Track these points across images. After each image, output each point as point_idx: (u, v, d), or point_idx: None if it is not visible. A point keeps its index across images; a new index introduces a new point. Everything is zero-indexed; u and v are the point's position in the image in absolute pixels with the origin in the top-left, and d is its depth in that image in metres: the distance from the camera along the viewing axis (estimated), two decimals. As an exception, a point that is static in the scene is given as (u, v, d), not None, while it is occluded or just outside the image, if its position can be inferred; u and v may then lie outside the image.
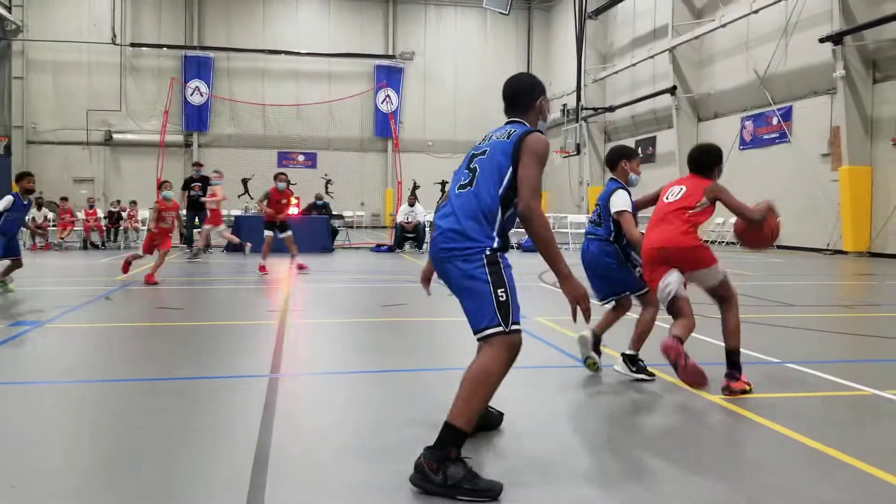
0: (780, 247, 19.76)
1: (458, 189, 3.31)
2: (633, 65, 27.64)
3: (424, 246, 18.56)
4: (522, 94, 3.51)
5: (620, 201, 5.06)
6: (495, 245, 3.18)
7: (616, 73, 29.47)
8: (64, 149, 32.71)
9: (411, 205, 18.85)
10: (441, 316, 7.33)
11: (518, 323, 3.15)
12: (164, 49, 33.35)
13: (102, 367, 5.53)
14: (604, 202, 5.13)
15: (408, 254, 17.44)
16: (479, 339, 3.14)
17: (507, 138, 3.27)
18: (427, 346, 6.32)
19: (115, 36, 32.54)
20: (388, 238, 20.96)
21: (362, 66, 35.07)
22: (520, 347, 3.14)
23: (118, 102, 33.17)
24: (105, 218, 19.96)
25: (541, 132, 3.37)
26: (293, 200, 15.69)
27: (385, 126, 34.69)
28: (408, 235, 18.60)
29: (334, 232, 18.86)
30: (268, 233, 12.26)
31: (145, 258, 11.15)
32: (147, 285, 10.02)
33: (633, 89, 28.28)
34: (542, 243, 3.18)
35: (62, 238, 18.68)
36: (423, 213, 18.85)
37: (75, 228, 19.43)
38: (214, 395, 4.57)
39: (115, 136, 33.10)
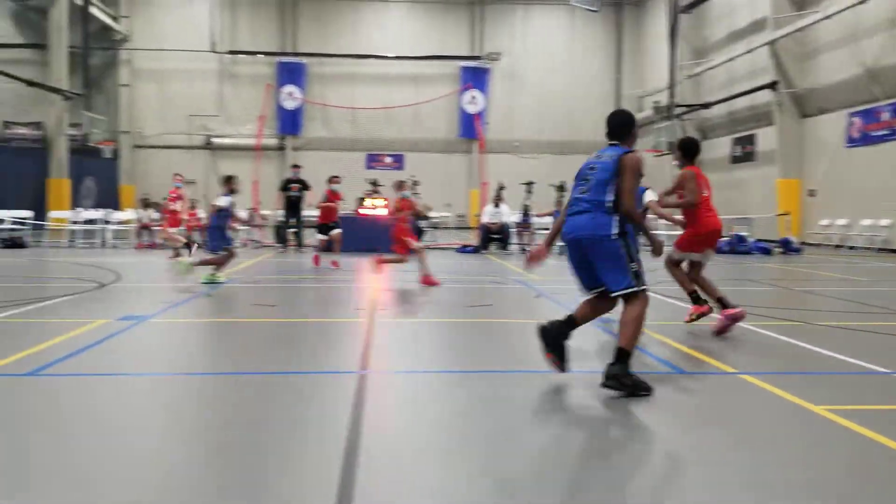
0: (888, 251, 18.71)
1: (579, 193, 4.82)
2: (730, 59, 26.70)
3: (510, 247, 18.49)
4: (625, 127, 5.05)
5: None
6: (617, 230, 4.58)
7: (711, 68, 28.54)
8: (167, 153, 34.28)
9: (496, 205, 18.81)
10: (527, 318, 7.27)
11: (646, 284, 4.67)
12: (260, 56, 34.47)
13: (200, 361, 5.76)
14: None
15: (493, 254, 17.40)
16: (621, 297, 4.60)
17: (611, 159, 4.76)
18: (511, 347, 6.29)
19: (214, 44, 33.85)
20: (473, 239, 20.99)
21: (448, 68, 35.26)
22: (648, 300, 4.65)
23: (217, 108, 34.52)
24: (205, 218, 20.75)
25: (634, 151, 4.81)
26: (383, 202, 16.01)
27: (470, 127, 34.77)
28: (493, 236, 18.57)
29: (420, 232, 19.03)
30: (337, 231, 13.40)
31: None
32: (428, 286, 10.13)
33: (730, 85, 27.33)
34: (640, 227, 4.92)
35: (166, 238, 19.50)
36: (509, 214, 18.77)
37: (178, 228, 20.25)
38: (305, 391, 4.68)
39: (214, 140, 34.46)
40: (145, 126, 34.42)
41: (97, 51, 32.18)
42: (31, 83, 26.87)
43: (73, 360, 5.39)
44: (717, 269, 14.28)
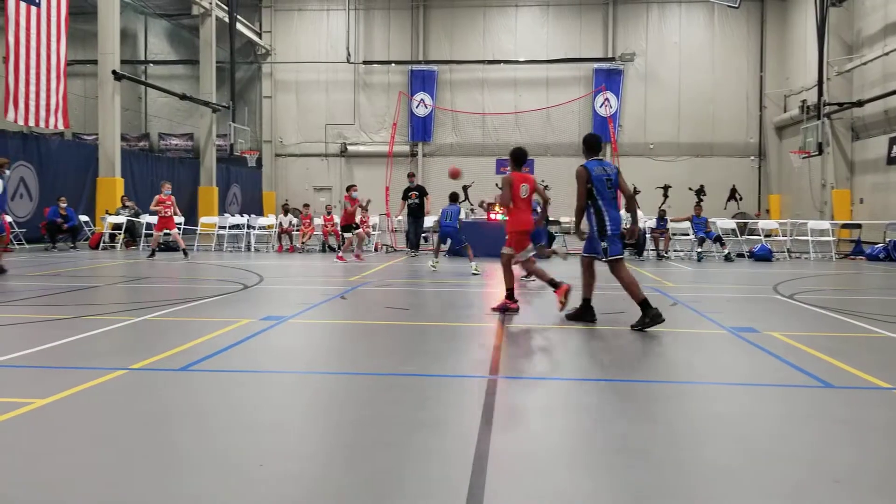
0: None
1: (611, 199, 7.24)
2: (886, 54, 24.79)
3: (645, 252, 17.96)
4: (600, 144, 7.53)
5: None
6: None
7: (864, 64, 26.59)
8: (305, 160, 35.87)
9: (628, 210, 18.29)
10: (660, 326, 7.01)
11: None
12: (393, 65, 35.40)
13: (335, 361, 5.93)
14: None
15: (627, 261, 16.93)
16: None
17: (613, 170, 7.35)
18: (644, 356, 6.08)
19: (349, 55, 35.08)
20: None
21: (580, 71, 34.78)
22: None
23: (352, 116, 35.72)
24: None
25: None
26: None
27: (604, 130, 34.05)
28: (627, 242, 18.05)
29: (551, 237, 18.83)
30: (358, 231, 16.36)
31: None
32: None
33: (886, 81, 25.34)
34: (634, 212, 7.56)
35: (304, 242, 20.34)
36: (643, 219, 18.22)
37: (315, 233, 21.09)
38: (435, 393, 4.70)
39: (349, 147, 35.68)
40: (285, 135, 36.14)
41: (242, 65, 34.11)
42: (183, 97, 28.81)
43: (219, 357, 5.68)
44: (863, 279, 13.27)
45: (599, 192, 7.31)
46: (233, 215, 24.06)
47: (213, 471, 3.26)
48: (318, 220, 21.03)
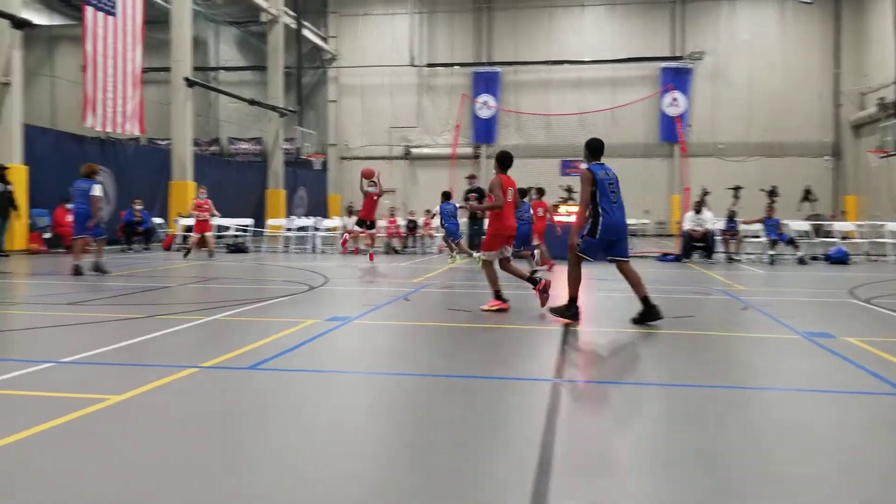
0: None
1: (612, 202, 7.49)
2: (972, 47, 23.65)
3: (715, 255, 17.53)
4: (603, 148, 7.79)
5: None
6: None
7: (948, 58, 25.43)
8: (369, 164, 36.20)
9: (697, 211, 17.88)
10: (730, 331, 6.82)
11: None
12: (456, 67, 35.50)
13: (399, 361, 5.96)
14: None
15: (695, 263, 16.57)
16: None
17: (614, 175, 7.65)
18: (713, 362, 5.92)
19: (413, 58, 35.35)
20: (674, 247, 20.16)
21: (647, 70, 34.23)
22: None
23: (415, 119, 35.97)
24: (404, 226, 21.63)
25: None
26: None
27: (671, 130, 33.44)
28: (696, 244, 17.67)
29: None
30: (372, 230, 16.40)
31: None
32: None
33: (971, 76, 24.19)
34: None
35: (368, 244, 20.52)
36: (713, 221, 17.79)
37: (378, 235, 21.29)
38: (499, 395, 4.68)
39: (412, 150, 35.94)
40: (350, 139, 36.64)
41: (308, 70, 34.73)
42: (252, 102, 29.50)
43: (286, 356, 5.78)
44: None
45: (602, 194, 7.48)
46: (299, 217, 24.50)
47: (274, 469, 3.31)
48: (382, 223, 21.21)
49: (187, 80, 23.13)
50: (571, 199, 18.79)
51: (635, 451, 3.66)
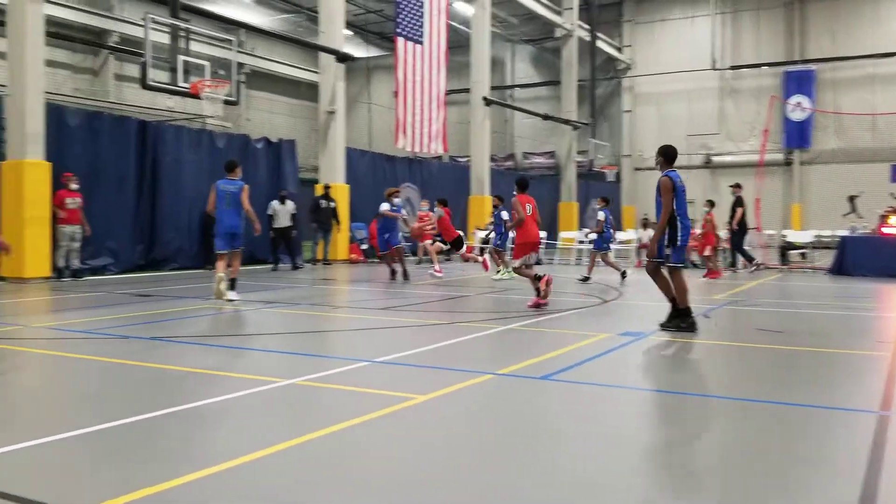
0: None
1: (686, 209, 7.60)
2: None
3: None
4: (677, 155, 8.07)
5: None
6: None
7: None
8: (657, 173, 35.01)
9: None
10: None
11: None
12: (764, 68, 32.99)
13: (695, 382, 5.62)
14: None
15: None
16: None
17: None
18: None
19: (714, 61, 33.55)
20: None
21: None
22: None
23: (716, 125, 34.06)
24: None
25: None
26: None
27: None
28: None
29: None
30: (436, 244, 15.40)
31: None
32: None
33: None
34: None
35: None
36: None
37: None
38: (815, 425, 4.25)
39: (713, 158, 34.05)
40: (645, 148, 35.72)
41: (602, 81, 34.60)
42: (546, 117, 30.08)
43: (577, 369, 5.72)
44: None
45: (679, 202, 7.54)
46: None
47: (558, 481, 3.23)
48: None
49: (485, 99, 24.26)
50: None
51: None
